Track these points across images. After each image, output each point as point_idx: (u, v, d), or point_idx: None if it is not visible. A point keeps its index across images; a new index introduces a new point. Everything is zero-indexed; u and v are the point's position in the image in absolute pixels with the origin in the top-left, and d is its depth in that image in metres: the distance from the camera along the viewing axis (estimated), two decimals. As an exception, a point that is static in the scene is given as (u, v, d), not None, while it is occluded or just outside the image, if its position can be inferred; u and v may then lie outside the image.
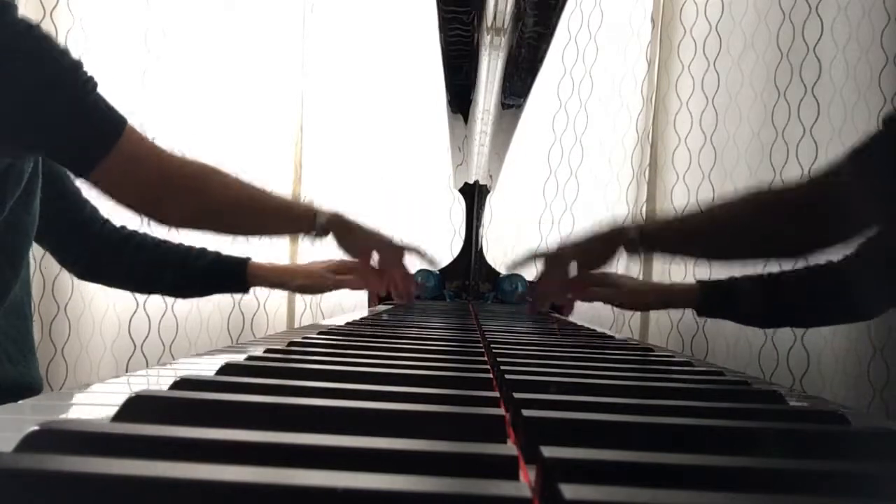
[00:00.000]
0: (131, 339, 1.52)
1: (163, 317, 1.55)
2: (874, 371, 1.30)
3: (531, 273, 0.94)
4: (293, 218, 0.92)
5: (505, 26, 0.77)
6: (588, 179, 1.76)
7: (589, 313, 1.69)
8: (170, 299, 1.54)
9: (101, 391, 0.43)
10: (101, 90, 0.75)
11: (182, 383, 0.36)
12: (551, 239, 1.78)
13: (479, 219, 1.60)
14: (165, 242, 1.08)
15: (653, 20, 1.72)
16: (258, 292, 1.68)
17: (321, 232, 0.90)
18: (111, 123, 0.75)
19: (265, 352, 0.50)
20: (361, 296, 1.60)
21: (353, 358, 0.51)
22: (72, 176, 1.01)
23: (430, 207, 1.76)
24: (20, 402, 0.37)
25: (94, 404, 0.40)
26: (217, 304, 1.62)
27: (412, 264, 1.03)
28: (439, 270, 1.59)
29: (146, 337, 1.53)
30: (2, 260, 0.84)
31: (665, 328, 1.68)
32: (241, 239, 1.01)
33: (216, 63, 1.58)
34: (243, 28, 1.62)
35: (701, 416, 0.34)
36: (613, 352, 0.66)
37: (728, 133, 1.60)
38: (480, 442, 0.27)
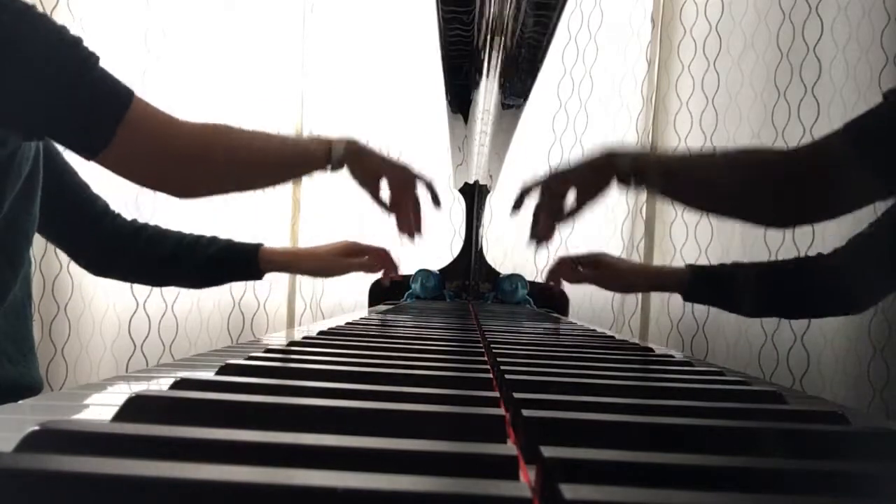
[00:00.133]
0: (131, 339, 1.52)
1: (163, 317, 1.55)
2: (874, 371, 1.30)
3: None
4: (309, 158, 0.87)
5: (505, 26, 0.77)
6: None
7: (589, 313, 1.70)
8: (170, 298, 1.54)
9: (101, 391, 0.43)
10: (103, 64, 0.73)
11: (182, 383, 0.36)
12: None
13: (479, 219, 1.60)
14: (176, 233, 1.08)
15: (653, 20, 1.72)
16: (258, 292, 1.68)
17: (337, 165, 0.87)
18: (117, 96, 0.72)
19: (265, 352, 0.50)
20: (362, 296, 1.60)
21: (353, 358, 0.51)
22: (78, 170, 1.01)
23: (430, 207, 1.76)
24: (20, 402, 0.37)
25: (94, 404, 0.40)
26: (217, 304, 1.63)
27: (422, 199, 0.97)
28: (439, 270, 1.59)
29: (146, 337, 1.53)
30: (1, 260, 0.84)
31: (665, 328, 1.68)
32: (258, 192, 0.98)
33: (216, 63, 1.58)
34: (243, 28, 1.62)
35: (701, 416, 0.34)
36: (613, 352, 0.66)
37: (728, 133, 1.60)
38: (480, 442, 0.27)
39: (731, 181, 0.79)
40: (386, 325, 0.88)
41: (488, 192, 1.61)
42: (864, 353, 1.31)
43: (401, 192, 0.93)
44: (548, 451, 0.24)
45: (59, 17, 1.44)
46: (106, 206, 1.05)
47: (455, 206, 1.73)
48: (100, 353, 1.51)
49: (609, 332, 0.97)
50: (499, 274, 1.61)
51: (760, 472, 0.24)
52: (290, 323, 1.73)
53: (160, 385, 0.44)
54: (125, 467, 0.21)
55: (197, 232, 1.09)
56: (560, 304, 1.56)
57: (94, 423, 0.30)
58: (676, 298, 1.13)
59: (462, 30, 0.76)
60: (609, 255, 1.13)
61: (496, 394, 0.38)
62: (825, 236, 1.23)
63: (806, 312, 1.17)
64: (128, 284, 1.42)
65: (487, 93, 0.97)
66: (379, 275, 1.15)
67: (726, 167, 0.80)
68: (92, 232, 1.03)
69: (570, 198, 0.88)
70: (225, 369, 0.42)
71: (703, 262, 1.62)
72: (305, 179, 1.73)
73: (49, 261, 1.46)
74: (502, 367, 0.46)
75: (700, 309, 1.58)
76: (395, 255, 1.12)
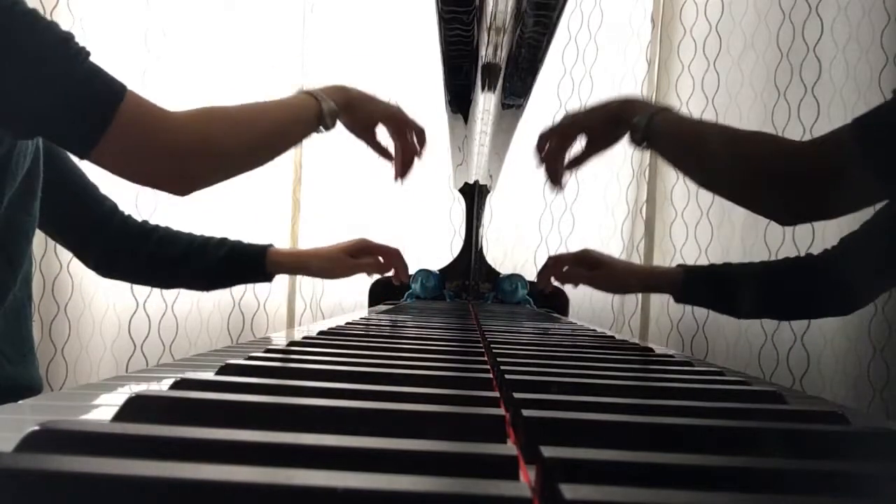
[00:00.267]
0: (131, 339, 1.52)
1: (163, 317, 1.55)
2: (874, 371, 1.30)
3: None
4: (301, 122, 0.85)
5: (505, 26, 0.77)
6: (588, 179, 1.77)
7: (589, 313, 1.70)
8: (170, 298, 1.55)
9: (101, 391, 0.43)
10: (95, 59, 0.71)
11: (182, 383, 0.36)
12: (551, 239, 1.78)
13: (479, 219, 1.60)
14: (187, 235, 1.07)
15: (653, 20, 1.72)
16: (258, 292, 1.68)
17: (330, 124, 0.86)
18: (109, 91, 0.70)
19: (265, 352, 0.50)
20: (362, 296, 1.60)
21: (353, 358, 0.51)
22: (87, 171, 1.01)
23: (430, 207, 1.76)
24: (20, 402, 0.37)
25: (94, 404, 0.40)
26: (217, 304, 1.63)
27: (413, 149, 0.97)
28: (439, 270, 1.59)
29: (146, 337, 1.53)
30: (1, 259, 0.84)
31: (665, 328, 1.68)
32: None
33: (216, 63, 1.58)
34: (243, 28, 1.62)
35: (701, 416, 0.34)
36: (613, 352, 0.66)
37: (728, 133, 1.60)
38: (480, 442, 0.27)
39: (743, 164, 0.76)
40: (386, 324, 0.88)
41: (488, 192, 1.61)
42: (864, 353, 1.31)
43: (399, 137, 0.93)
44: (548, 451, 0.24)
45: (59, 18, 1.44)
46: (114, 207, 1.04)
47: (455, 206, 1.73)
48: (100, 353, 1.51)
49: (609, 332, 0.97)
50: (499, 274, 1.61)
51: (760, 472, 0.24)
52: (290, 323, 1.73)
53: (160, 385, 0.44)
54: (125, 467, 0.21)
55: (199, 232, 1.09)
56: (560, 304, 1.56)
57: (94, 423, 0.30)
58: (676, 298, 1.13)
59: (462, 30, 0.76)
60: (597, 252, 1.12)
61: (496, 394, 0.38)
62: (825, 235, 1.24)
63: (799, 313, 1.16)
64: (128, 284, 1.41)
65: (487, 93, 0.97)
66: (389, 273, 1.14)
67: (741, 148, 0.77)
68: (98, 232, 1.03)
69: (580, 144, 0.86)
70: (225, 369, 0.42)
71: (703, 262, 1.62)
72: (305, 180, 1.73)
73: (49, 261, 1.46)
74: (502, 367, 0.46)
75: (700, 309, 1.58)
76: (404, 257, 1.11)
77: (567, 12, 1.40)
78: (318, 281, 1.72)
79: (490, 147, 1.23)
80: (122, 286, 1.42)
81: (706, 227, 1.62)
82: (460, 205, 1.66)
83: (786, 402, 0.42)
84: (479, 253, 1.61)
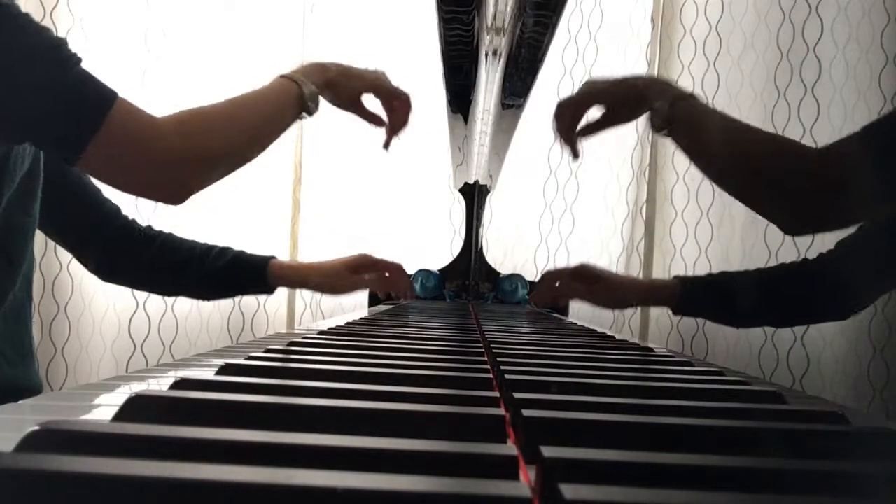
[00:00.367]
0: (131, 339, 1.52)
1: (163, 317, 1.55)
2: (874, 371, 1.30)
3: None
4: (286, 114, 0.84)
5: (505, 26, 0.77)
6: (588, 179, 1.77)
7: (589, 313, 1.70)
8: (170, 299, 1.54)
9: (101, 391, 0.43)
10: (85, 66, 0.70)
11: (182, 383, 0.36)
12: (551, 239, 1.78)
13: (479, 219, 1.60)
14: (190, 242, 1.06)
15: (653, 20, 1.72)
16: (258, 292, 1.68)
17: (314, 108, 0.85)
18: (98, 98, 0.69)
19: (265, 352, 0.50)
20: (362, 296, 1.60)
21: (353, 358, 0.51)
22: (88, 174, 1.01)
23: (430, 207, 1.76)
24: (20, 402, 0.37)
25: (94, 404, 0.40)
26: (217, 305, 1.62)
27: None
28: (439, 270, 1.59)
29: (146, 337, 1.53)
30: (1, 260, 0.84)
31: (665, 328, 1.68)
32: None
33: (216, 63, 1.58)
34: (243, 28, 1.62)
35: (701, 416, 0.34)
36: (613, 352, 0.66)
37: (728, 133, 1.60)
38: (480, 442, 0.27)
39: (759, 169, 0.74)
40: (386, 324, 0.88)
41: (488, 192, 1.61)
42: (864, 353, 1.31)
43: (385, 104, 0.93)
44: (548, 451, 0.24)
45: (60, 18, 1.44)
46: (116, 210, 1.04)
47: (455, 206, 1.73)
48: (100, 353, 1.51)
49: (609, 332, 0.97)
50: (499, 274, 1.61)
51: (760, 472, 0.24)
52: (290, 323, 1.73)
53: (160, 385, 0.44)
54: (125, 467, 0.21)
55: (200, 233, 1.08)
56: (560, 304, 1.56)
57: (94, 423, 0.30)
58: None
59: (462, 30, 0.76)
60: (595, 266, 1.10)
61: (496, 394, 0.38)
62: (824, 236, 1.24)
63: (798, 320, 1.16)
64: (128, 285, 1.41)
65: (487, 93, 0.97)
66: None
67: (759, 152, 0.74)
68: (98, 234, 1.02)
69: (597, 113, 0.84)
70: (225, 369, 0.42)
71: (702, 262, 1.62)
72: (305, 180, 1.73)
73: (49, 261, 1.46)
74: (502, 367, 0.46)
75: (700, 309, 1.58)
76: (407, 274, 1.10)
77: (567, 12, 1.40)
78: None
79: (490, 147, 1.23)
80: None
81: (706, 227, 1.62)
82: (460, 205, 1.66)
83: (786, 402, 0.42)
84: (479, 253, 1.61)
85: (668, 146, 1.71)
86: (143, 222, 1.07)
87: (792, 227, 0.81)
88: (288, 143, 1.70)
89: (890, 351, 1.29)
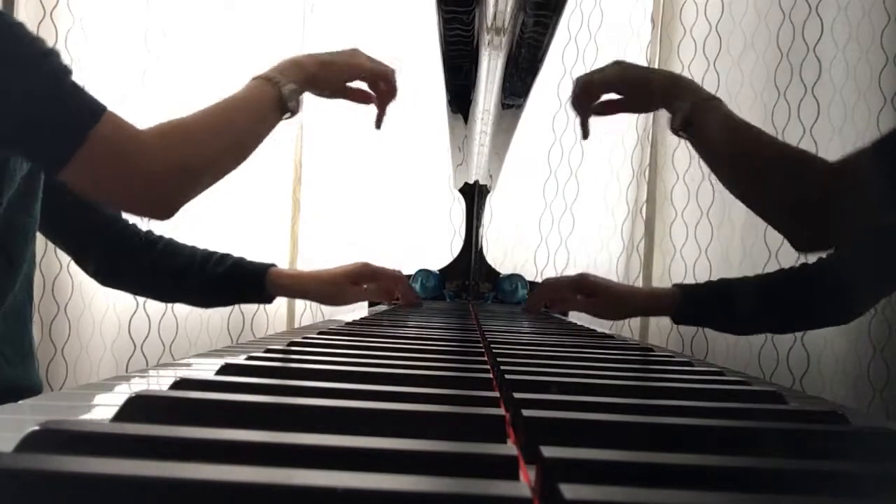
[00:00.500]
0: (131, 339, 1.53)
1: (163, 317, 1.55)
2: (874, 371, 1.30)
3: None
4: (267, 118, 0.82)
5: (505, 26, 0.77)
6: (588, 179, 1.77)
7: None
8: (170, 299, 1.54)
9: (101, 391, 0.43)
10: (76, 78, 0.70)
11: (182, 383, 0.36)
12: (551, 239, 1.78)
13: (479, 219, 1.60)
14: (190, 248, 1.06)
15: (653, 20, 1.72)
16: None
17: (295, 106, 0.83)
18: (86, 111, 0.68)
19: (265, 352, 0.50)
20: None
21: (353, 358, 0.51)
22: None
23: (430, 207, 1.76)
24: (20, 402, 0.37)
25: (94, 404, 0.40)
26: (217, 304, 1.62)
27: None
28: (439, 270, 1.59)
29: (146, 337, 1.53)
30: (1, 261, 0.84)
31: (665, 328, 1.68)
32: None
33: (216, 63, 1.58)
34: (243, 28, 1.62)
35: (701, 416, 0.34)
36: (613, 352, 0.66)
37: (728, 133, 1.60)
38: (480, 442, 0.27)
39: (775, 183, 0.73)
40: (386, 325, 0.88)
41: (488, 192, 1.61)
42: (864, 353, 1.31)
43: (371, 87, 0.92)
44: (548, 451, 0.24)
45: (60, 18, 1.44)
46: (117, 214, 1.03)
47: (455, 206, 1.73)
48: (100, 353, 1.51)
49: (609, 332, 0.97)
50: (499, 274, 1.61)
51: (760, 472, 0.24)
52: (290, 323, 1.73)
53: (160, 385, 0.44)
54: (125, 467, 0.21)
55: (200, 234, 1.08)
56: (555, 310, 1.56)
57: (94, 423, 0.30)
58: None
59: (462, 30, 0.76)
60: (595, 277, 1.10)
61: (496, 394, 0.38)
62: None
63: (799, 325, 1.15)
64: (128, 284, 1.41)
65: (487, 93, 0.97)
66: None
67: (776, 166, 0.73)
68: (98, 237, 1.02)
69: (611, 97, 0.83)
70: (225, 369, 0.42)
71: (702, 262, 1.62)
72: (305, 180, 1.73)
73: (49, 261, 1.46)
74: (502, 367, 0.46)
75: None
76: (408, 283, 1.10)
77: (567, 12, 1.40)
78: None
79: (490, 147, 1.23)
80: (122, 286, 1.42)
81: (706, 227, 1.62)
82: (460, 205, 1.66)
83: (786, 402, 0.42)
84: (479, 253, 1.61)
85: (669, 146, 1.72)
86: (143, 227, 1.07)
87: (805, 244, 0.79)
88: (288, 143, 1.70)
89: (890, 351, 1.29)
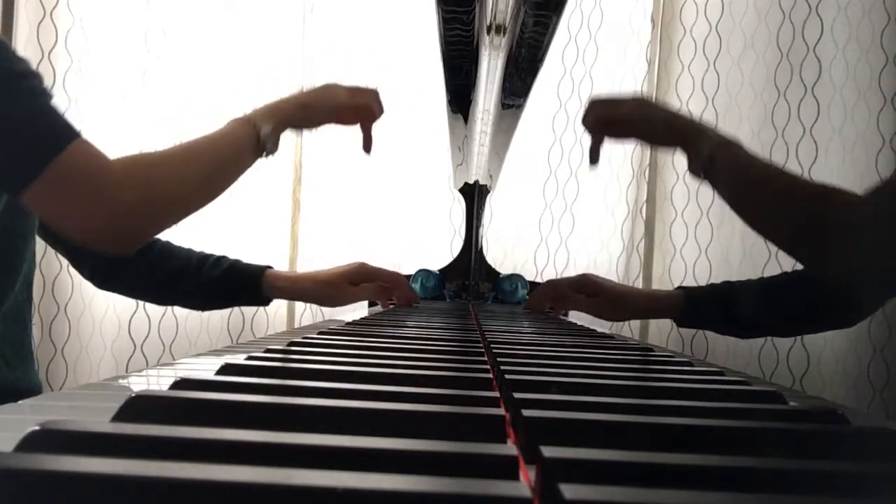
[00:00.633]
0: (131, 339, 1.52)
1: (163, 317, 1.55)
2: (874, 371, 1.30)
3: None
4: (242, 159, 0.81)
5: (505, 26, 0.77)
6: (588, 179, 1.77)
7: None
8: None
9: (101, 391, 0.43)
10: (54, 103, 0.68)
11: (182, 383, 0.36)
12: (551, 239, 1.78)
13: (479, 219, 1.60)
14: (186, 250, 1.05)
15: (653, 20, 1.72)
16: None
17: (272, 147, 0.82)
18: (52, 136, 0.66)
19: (265, 352, 0.50)
20: (361, 296, 1.60)
21: (353, 358, 0.51)
22: None
23: (430, 207, 1.76)
24: (20, 402, 0.37)
25: (95, 404, 0.40)
26: (217, 304, 1.62)
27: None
28: (439, 270, 1.59)
29: (146, 337, 1.53)
30: (1, 262, 0.84)
31: (665, 328, 1.68)
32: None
33: (216, 63, 1.58)
34: (243, 28, 1.62)
35: (701, 416, 0.34)
36: (613, 352, 0.66)
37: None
38: (480, 442, 0.27)
39: (805, 225, 0.71)
40: (386, 325, 0.88)
41: (488, 192, 1.61)
42: (864, 353, 1.31)
43: (356, 120, 0.92)
44: (548, 451, 0.24)
45: (60, 18, 1.44)
46: None
47: (455, 206, 1.73)
48: (100, 353, 1.51)
49: (609, 332, 0.97)
50: (499, 274, 1.61)
51: (760, 471, 0.24)
52: (290, 323, 1.73)
53: (160, 385, 0.44)
54: (125, 467, 0.21)
55: (199, 236, 1.08)
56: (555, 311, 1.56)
57: (94, 424, 0.30)
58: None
59: (462, 30, 0.76)
60: (597, 278, 1.09)
61: (496, 394, 0.38)
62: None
63: (802, 329, 1.15)
64: (128, 284, 1.41)
65: (487, 93, 0.97)
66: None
67: (801, 208, 0.72)
68: None
69: (623, 128, 0.83)
70: (225, 369, 0.42)
71: (702, 262, 1.62)
72: (305, 180, 1.73)
73: (49, 261, 1.46)
74: (502, 367, 0.46)
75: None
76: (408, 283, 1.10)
77: (567, 12, 1.40)
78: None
79: (490, 147, 1.23)
80: (121, 286, 1.42)
81: (706, 227, 1.62)
82: (460, 205, 1.66)
83: (786, 402, 0.42)
84: (479, 253, 1.61)
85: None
86: None
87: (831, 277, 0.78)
88: (288, 144, 1.70)
89: (890, 351, 1.29)
